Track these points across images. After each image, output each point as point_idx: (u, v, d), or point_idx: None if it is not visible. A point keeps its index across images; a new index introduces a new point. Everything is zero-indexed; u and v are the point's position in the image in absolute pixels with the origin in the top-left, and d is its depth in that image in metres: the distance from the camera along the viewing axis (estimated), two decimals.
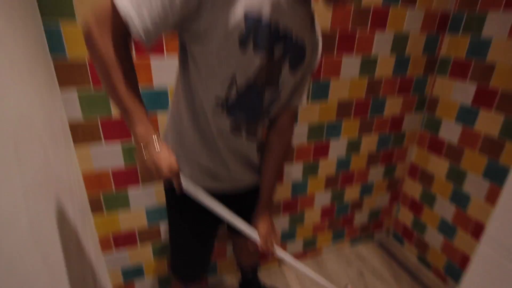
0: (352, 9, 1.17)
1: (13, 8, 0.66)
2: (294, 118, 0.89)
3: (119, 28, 0.55)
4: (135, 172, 1.10)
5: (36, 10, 0.81)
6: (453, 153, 1.44)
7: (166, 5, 0.54)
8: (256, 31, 0.61)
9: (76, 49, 0.88)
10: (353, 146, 1.48)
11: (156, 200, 1.19)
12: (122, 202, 1.14)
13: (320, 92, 1.28)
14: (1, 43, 0.56)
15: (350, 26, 1.20)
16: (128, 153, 1.07)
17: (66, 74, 0.90)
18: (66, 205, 0.81)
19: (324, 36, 1.11)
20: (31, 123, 0.65)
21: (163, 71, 0.99)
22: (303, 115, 1.30)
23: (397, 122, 1.52)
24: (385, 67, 1.35)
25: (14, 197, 0.50)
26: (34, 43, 0.76)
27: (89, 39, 0.55)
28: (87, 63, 0.91)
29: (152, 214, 1.22)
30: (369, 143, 1.51)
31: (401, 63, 1.38)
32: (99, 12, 0.54)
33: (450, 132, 1.45)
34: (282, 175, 1.40)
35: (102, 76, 0.58)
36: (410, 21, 1.30)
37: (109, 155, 1.05)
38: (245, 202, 0.95)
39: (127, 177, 1.10)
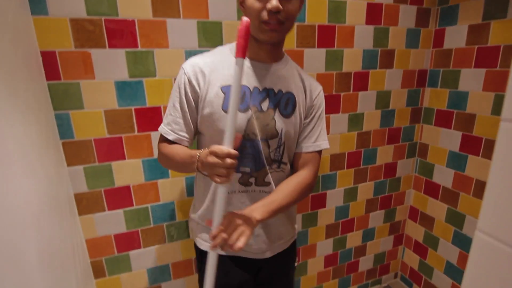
0: (335, 75, 1.30)
1: (29, 107, 0.80)
2: (310, 161, 0.88)
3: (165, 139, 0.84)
4: (136, 235, 1.18)
5: (50, 105, 0.95)
6: (449, 197, 1.48)
7: (179, 111, 0.80)
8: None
9: (82, 131, 1.01)
10: (350, 195, 1.54)
11: (157, 261, 1.25)
12: (124, 265, 1.19)
13: None
14: (15, 138, 0.68)
15: (334, 89, 1.32)
16: (130, 218, 1.15)
17: (73, 152, 1.02)
18: (69, 272, 0.88)
19: None
20: (38, 200, 0.75)
21: None
22: None
23: (391, 169, 1.59)
24: (372, 121, 1.45)
25: (30, 268, 0.59)
26: (46, 131, 0.90)
27: (158, 154, 0.87)
28: (93, 142, 1.03)
29: (153, 274, 1.26)
30: (365, 190, 1.57)
31: (387, 116, 1.48)
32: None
33: (443, 176, 1.50)
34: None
35: (168, 165, 0.86)
36: (390, 80, 1.42)
37: (111, 222, 1.13)
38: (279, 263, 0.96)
39: (128, 240, 1.17)
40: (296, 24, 1.17)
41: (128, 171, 1.10)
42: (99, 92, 0.99)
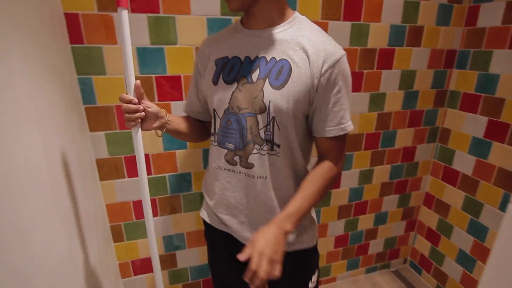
0: (359, 50, 1.25)
1: (55, 70, 0.80)
2: (334, 147, 0.76)
3: None
4: (153, 203, 1.21)
5: (73, 69, 0.96)
6: (468, 184, 1.44)
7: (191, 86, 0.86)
8: (223, 67, 0.77)
9: (104, 98, 1.02)
10: (365, 177, 1.52)
11: (173, 229, 1.28)
12: (141, 231, 1.23)
13: None
14: (43, 97, 0.69)
15: (357, 66, 1.27)
16: (148, 187, 1.17)
17: (96, 118, 1.04)
18: (91, 234, 0.92)
19: None
20: (64, 162, 0.77)
21: None
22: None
23: (409, 153, 1.55)
24: (394, 102, 1.40)
25: (52, 229, 0.61)
26: (70, 95, 0.91)
27: None
28: (114, 108, 1.04)
29: (168, 242, 1.30)
30: (381, 173, 1.54)
31: (410, 97, 1.43)
32: None
33: (464, 163, 1.45)
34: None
35: None
36: (416, 59, 1.36)
37: (131, 189, 1.15)
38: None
39: None
40: None
41: (147, 140, 1.11)
42: (121, 58, 0.99)
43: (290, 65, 0.70)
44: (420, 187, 1.67)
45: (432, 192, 1.66)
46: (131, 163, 1.12)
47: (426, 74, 1.41)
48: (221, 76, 0.77)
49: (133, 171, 1.13)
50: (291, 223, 0.70)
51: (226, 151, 0.79)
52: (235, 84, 0.74)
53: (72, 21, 0.92)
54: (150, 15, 0.97)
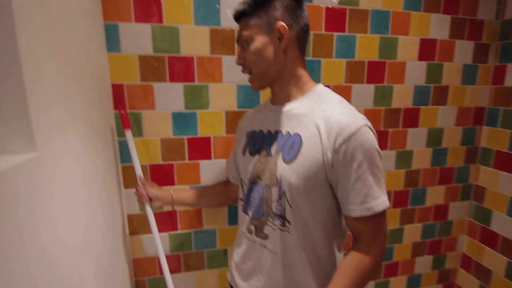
0: (383, 110, 1.27)
1: (100, 133, 0.89)
2: (364, 230, 0.69)
3: None
4: (178, 259, 1.20)
5: (115, 131, 1.04)
6: (510, 249, 1.33)
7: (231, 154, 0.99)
8: (250, 139, 0.84)
9: (140, 157, 1.06)
10: (395, 236, 1.44)
11: (195, 286, 1.26)
12: (165, 287, 1.22)
13: None
14: (91, 156, 0.75)
15: (382, 125, 1.29)
16: (174, 241, 1.18)
17: (130, 176, 1.09)
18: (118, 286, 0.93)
19: None
20: (99, 218, 0.81)
21: None
22: None
23: (441, 211, 1.47)
24: (422, 159, 1.37)
25: (84, 281, 0.62)
26: (110, 155, 0.99)
27: None
28: (148, 167, 1.10)
29: None
30: (412, 232, 1.46)
31: (439, 154, 1.39)
32: None
33: (503, 225, 1.35)
34: None
35: None
36: (443, 117, 1.35)
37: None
38: None
39: (171, 263, 1.20)
40: (345, 60, 1.18)
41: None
42: (157, 122, 1.07)
43: (301, 139, 0.69)
44: (456, 247, 1.56)
45: (469, 254, 1.53)
46: (159, 219, 1.14)
47: (455, 131, 1.39)
48: (248, 148, 0.84)
49: (160, 226, 1.16)
50: None
51: (248, 218, 0.81)
52: (257, 156, 0.79)
53: (117, 90, 1.03)
54: (186, 84, 1.07)
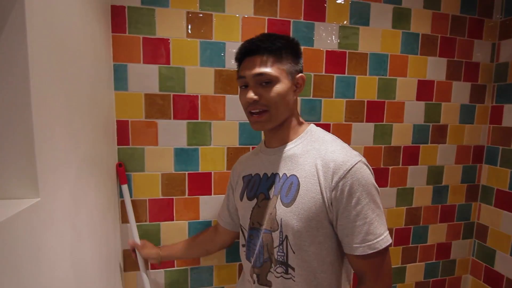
0: (383, 148, 1.29)
1: (103, 168, 0.90)
2: (367, 269, 0.68)
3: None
4: None
5: (115, 179, 1.06)
6: None
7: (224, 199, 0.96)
8: (248, 184, 0.83)
9: (139, 193, 1.09)
10: (397, 275, 1.41)
11: None
12: None
13: None
14: (95, 189, 0.75)
15: (382, 163, 1.30)
16: (169, 278, 1.15)
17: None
18: None
19: None
20: (94, 253, 0.79)
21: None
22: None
23: (444, 249, 1.45)
24: (422, 196, 1.37)
25: None
26: (111, 190, 1.01)
27: None
28: (147, 202, 1.10)
29: None
30: (415, 271, 1.43)
31: (440, 192, 1.39)
32: None
33: (507, 266, 1.32)
34: None
35: None
36: (443, 155, 1.36)
37: (152, 281, 1.14)
38: None
39: None
40: (345, 100, 1.21)
41: (173, 233, 1.13)
42: (160, 157, 1.09)
43: (298, 180, 0.69)
44: (461, 287, 1.51)
45: None
46: None
47: (455, 169, 1.39)
48: (245, 193, 0.82)
49: (155, 264, 1.14)
50: None
51: (250, 264, 0.79)
52: (255, 200, 0.78)
53: (122, 126, 1.05)
54: (190, 121, 1.09)
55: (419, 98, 1.30)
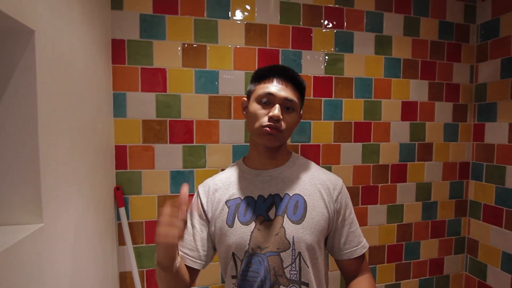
0: (372, 167, 1.34)
1: (100, 193, 0.93)
2: (364, 266, 0.81)
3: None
4: None
5: (113, 202, 1.09)
6: None
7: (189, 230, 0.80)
8: (236, 208, 0.77)
9: (136, 215, 1.13)
10: None
11: None
12: None
13: None
14: (94, 215, 0.78)
15: (371, 181, 1.34)
16: None
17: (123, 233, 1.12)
18: None
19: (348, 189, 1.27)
20: (91, 280, 0.82)
21: None
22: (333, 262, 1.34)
23: (437, 265, 1.47)
24: (413, 212, 1.41)
25: None
26: (109, 213, 1.04)
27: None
28: (144, 224, 1.13)
29: None
30: None
31: (429, 208, 1.43)
32: None
33: (499, 280, 1.35)
34: None
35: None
36: (430, 172, 1.42)
37: None
38: None
39: None
40: (333, 121, 1.28)
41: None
42: (156, 180, 1.13)
43: (304, 199, 0.75)
44: None
45: None
46: (153, 276, 1.15)
47: (442, 185, 1.44)
48: (235, 218, 0.76)
49: (151, 286, 1.16)
50: None
51: None
52: (254, 224, 0.74)
53: (120, 151, 1.10)
54: (186, 144, 1.14)
55: (404, 118, 1.37)
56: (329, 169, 1.29)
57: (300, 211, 0.74)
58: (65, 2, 0.70)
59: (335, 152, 1.29)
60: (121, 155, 1.10)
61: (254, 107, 0.76)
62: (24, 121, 0.55)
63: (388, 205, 1.38)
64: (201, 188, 0.84)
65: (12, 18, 0.48)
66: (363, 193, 1.34)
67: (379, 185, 1.36)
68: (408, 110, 1.37)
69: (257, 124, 0.75)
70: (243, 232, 0.74)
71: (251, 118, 0.77)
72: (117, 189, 1.08)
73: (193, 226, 0.81)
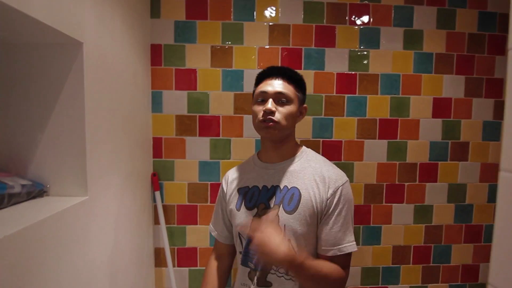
0: (398, 165, 1.31)
1: (140, 177, 1.08)
2: (337, 264, 0.81)
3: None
4: None
5: (150, 186, 1.25)
6: None
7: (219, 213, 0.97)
8: (245, 195, 0.89)
9: (170, 199, 1.27)
10: None
11: None
12: None
13: (372, 236, 1.34)
14: (135, 197, 0.93)
15: (396, 179, 1.32)
16: (193, 277, 1.30)
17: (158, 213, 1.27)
18: None
19: (371, 186, 1.27)
20: (127, 252, 0.96)
21: None
22: (355, 258, 1.35)
23: (471, 272, 1.38)
24: (443, 214, 1.35)
25: None
26: (147, 196, 1.20)
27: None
28: (175, 207, 1.27)
29: None
30: None
31: (464, 211, 1.35)
32: None
33: None
34: None
35: None
36: (465, 173, 1.34)
37: (177, 278, 1.29)
38: None
39: None
40: (356, 118, 1.28)
41: (197, 235, 1.29)
42: (187, 169, 1.26)
43: (299, 192, 0.83)
44: None
45: None
46: (182, 253, 1.29)
47: (480, 187, 1.35)
48: (243, 203, 0.89)
49: (182, 261, 1.30)
50: (301, 260, 0.73)
51: (248, 269, 0.87)
52: (255, 210, 0.86)
53: (157, 142, 1.25)
54: (212, 138, 1.26)
55: (435, 115, 1.31)
56: (351, 165, 1.30)
57: (294, 203, 0.82)
58: (108, 13, 0.84)
59: (358, 148, 1.29)
60: (157, 146, 1.26)
61: (254, 107, 0.87)
62: (74, 118, 0.70)
63: (416, 204, 1.34)
64: (224, 177, 1.00)
65: (63, 33, 0.61)
66: (387, 191, 1.32)
67: (406, 183, 1.33)
68: (441, 107, 1.31)
69: (256, 120, 0.85)
70: (246, 216, 0.87)
71: (253, 117, 0.88)
72: (153, 175, 1.23)
73: (219, 209, 0.98)
